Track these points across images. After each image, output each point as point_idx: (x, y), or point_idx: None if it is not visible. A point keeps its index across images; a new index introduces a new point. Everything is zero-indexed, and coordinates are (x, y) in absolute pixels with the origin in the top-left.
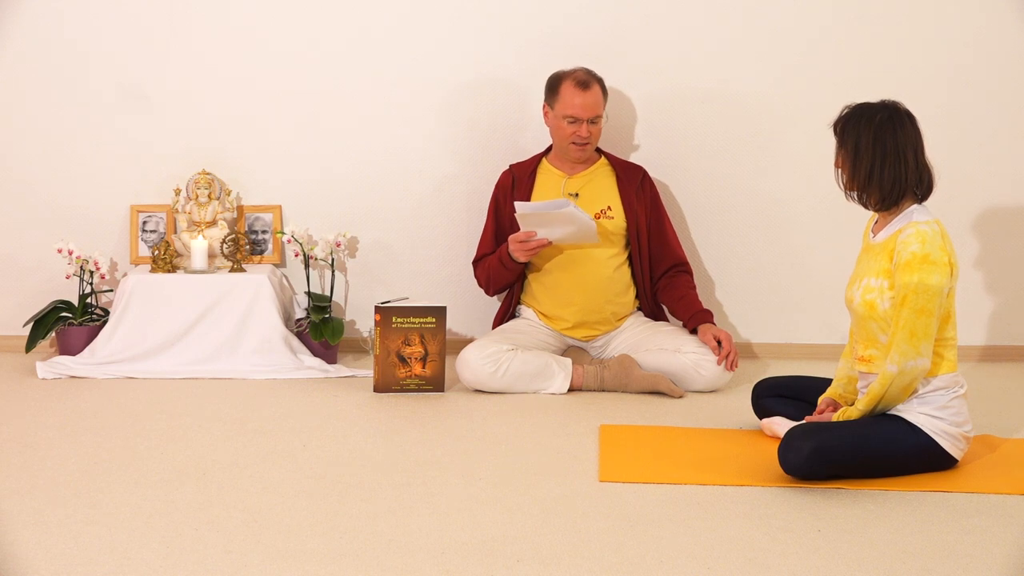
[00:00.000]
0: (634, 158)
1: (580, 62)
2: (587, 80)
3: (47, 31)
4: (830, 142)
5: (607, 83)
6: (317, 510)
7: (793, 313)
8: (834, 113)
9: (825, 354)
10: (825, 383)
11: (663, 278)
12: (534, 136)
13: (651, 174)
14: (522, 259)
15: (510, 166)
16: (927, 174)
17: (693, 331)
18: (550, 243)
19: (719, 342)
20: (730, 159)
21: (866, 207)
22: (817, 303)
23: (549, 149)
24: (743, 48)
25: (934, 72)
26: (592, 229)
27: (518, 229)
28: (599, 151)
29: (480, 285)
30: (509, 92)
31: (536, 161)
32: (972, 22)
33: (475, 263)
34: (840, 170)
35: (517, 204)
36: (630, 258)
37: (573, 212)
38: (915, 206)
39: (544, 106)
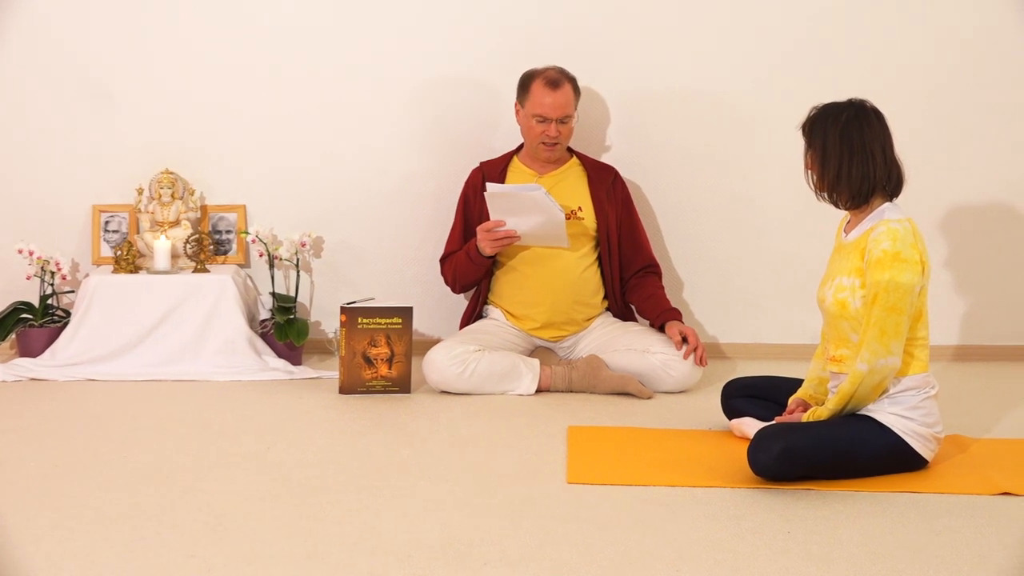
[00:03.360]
0: (605, 158)
1: (553, 59)
2: (558, 79)
3: (4, 30)
4: (801, 142)
5: (580, 81)
6: (282, 513)
7: (763, 313)
8: (804, 114)
9: (795, 354)
10: (795, 383)
11: (632, 278)
12: (505, 134)
13: (622, 174)
14: (489, 251)
15: (480, 164)
16: (896, 170)
17: (660, 329)
18: (519, 238)
19: (685, 339)
20: (702, 159)
21: (837, 206)
22: (787, 303)
23: (521, 147)
24: (716, 48)
25: (905, 72)
26: (561, 223)
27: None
28: (571, 151)
29: (447, 283)
30: (479, 89)
31: (507, 159)
32: (944, 20)
33: (442, 260)
34: (810, 171)
35: (488, 184)
36: (600, 259)
37: (543, 198)
38: (887, 204)
39: (516, 104)
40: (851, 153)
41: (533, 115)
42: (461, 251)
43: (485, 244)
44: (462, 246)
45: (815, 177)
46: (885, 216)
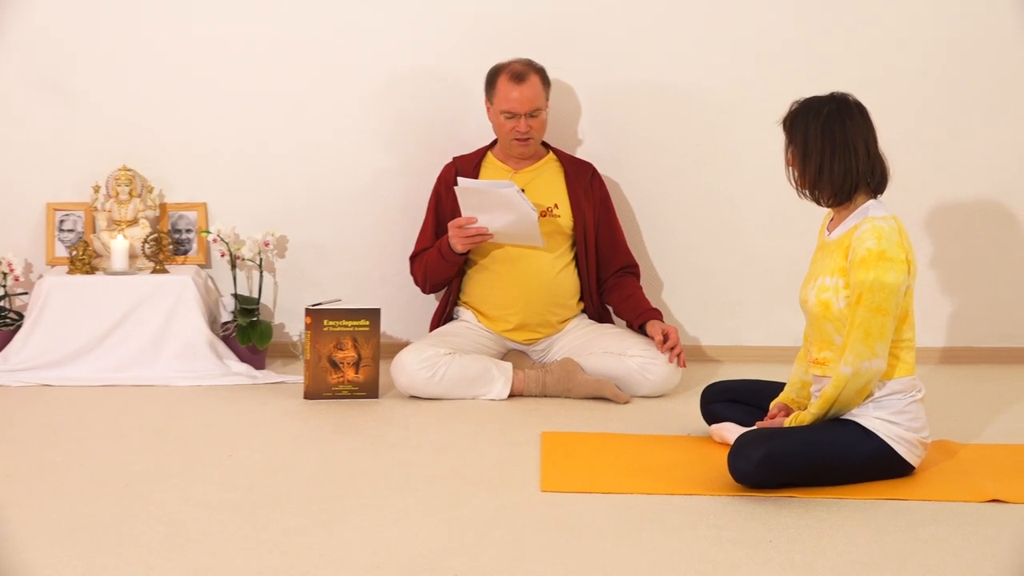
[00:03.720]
0: (581, 154)
1: (526, 51)
2: (523, 72)
3: None
4: (782, 138)
5: (554, 74)
6: (244, 524)
7: (744, 314)
8: (786, 108)
9: (777, 357)
10: (777, 387)
11: (610, 279)
12: (477, 129)
13: (599, 171)
14: (460, 248)
15: (454, 159)
16: (880, 165)
17: (640, 329)
18: (491, 235)
19: (666, 337)
20: (682, 156)
21: (819, 203)
22: (769, 304)
23: (495, 143)
24: (696, 41)
25: (892, 68)
26: (533, 223)
27: None
28: (548, 146)
29: (416, 282)
30: (450, 82)
31: (481, 154)
32: (930, 15)
33: (412, 258)
34: (791, 167)
35: (459, 179)
36: (576, 258)
37: (514, 196)
38: (871, 201)
39: (485, 101)
40: (833, 148)
41: (501, 111)
42: (432, 248)
43: (456, 240)
44: (433, 244)
45: (796, 173)
46: (869, 213)
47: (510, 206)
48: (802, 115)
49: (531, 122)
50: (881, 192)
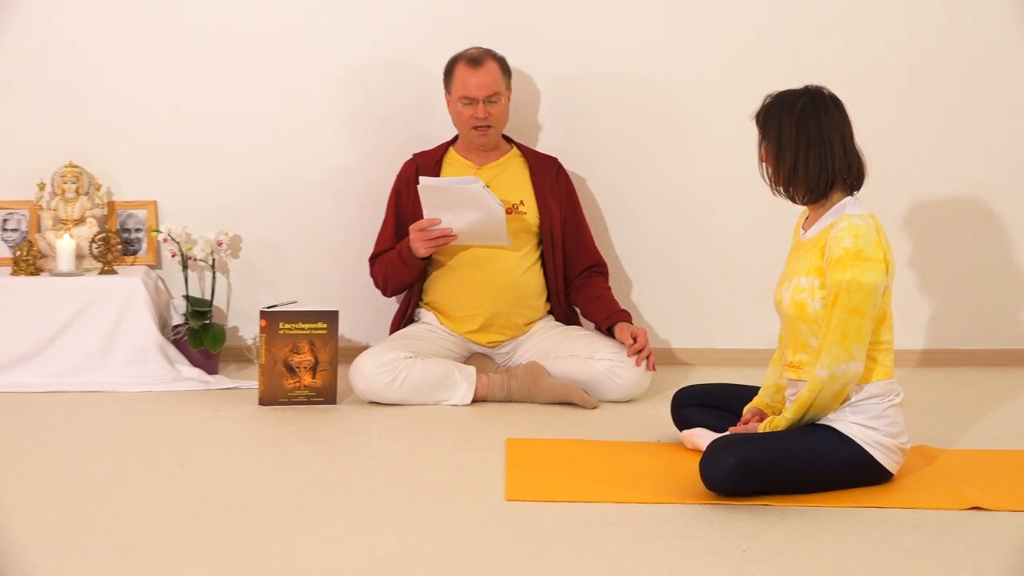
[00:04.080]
0: (546, 149)
1: (489, 42)
2: (479, 56)
3: None
4: (756, 131)
5: (518, 66)
6: (196, 535)
7: (717, 316)
8: (760, 101)
9: (751, 360)
10: (751, 391)
11: (578, 278)
12: (439, 123)
13: (565, 166)
14: (423, 253)
15: (414, 155)
16: (857, 161)
17: (608, 331)
18: (455, 237)
19: (635, 340)
20: (649, 150)
21: (794, 201)
22: (743, 305)
23: (456, 138)
24: (666, 32)
25: (866, 58)
26: (500, 219)
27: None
28: (511, 141)
29: (377, 285)
30: (409, 75)
31: (443, 150)
32: (909, 7)
33: (372, 260)
34: (764, 163)
35: (422, 178)
36: (542, 257)
37: (480, 192)
38: (848, 199)
39: (445, 94)
40: (808, 144)
41: (459, 98)
42: (393, 251)
43: (419, 244)
44: (393, 245)
45: (770, 170)
46: (846, 211)
47: (476, 203)
48: (775, 109)
49: (490, 108)
50: (858, 189)
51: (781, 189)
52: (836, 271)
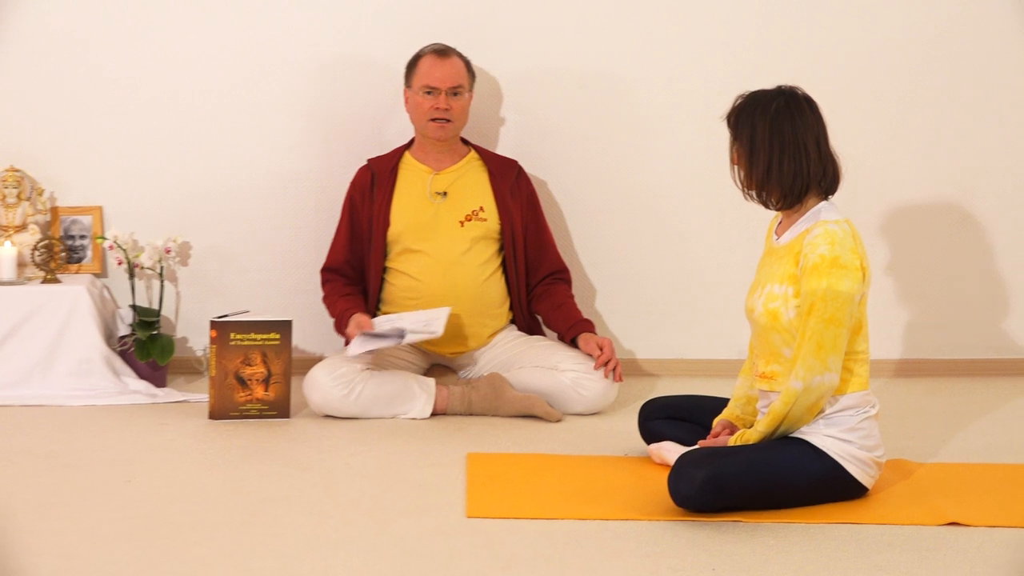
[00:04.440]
0: (505, 152)
1: (445, 41)
2: (446, 50)
3: None
4: (726, 132)
5: (478, 66)
6: (143, 555)
7: (685, 325)
8: (731, 97)
9: (720, 370)
10: (721, 403)
11: (539, 286)
12: (398, 128)
13: (525, 169)
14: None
15: (368, 161)
16: (832, 165)
17: (572, 342)
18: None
19: (600, 350)
20: (614, 152)
21: (767, 207)
22: (712, 313)
23: (412, 142)
24: (631, 30)
25: (838, 57)
26: (436, 334)
27: (376, 234)
28: (469, 144)
29: (324, 303)
30: (364, 77)
31: (398, 155)
32: (882, 3)
33: (325, 272)
34: (736, 167)
35: (348, 350)
36: (504, 264)
37: (414, 338)
38: (823, 204)
39: (405, 91)
40: (782, 147)
41: (421, 87)
42: (337, 305)
43: (350, 329)
44: (348, 255)
45: (742, 174)
46: (821, 216)
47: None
48: (748, 110)
49: (452, 101)
50: (832, 193)
51: (754, 193)
52: (811, 279)
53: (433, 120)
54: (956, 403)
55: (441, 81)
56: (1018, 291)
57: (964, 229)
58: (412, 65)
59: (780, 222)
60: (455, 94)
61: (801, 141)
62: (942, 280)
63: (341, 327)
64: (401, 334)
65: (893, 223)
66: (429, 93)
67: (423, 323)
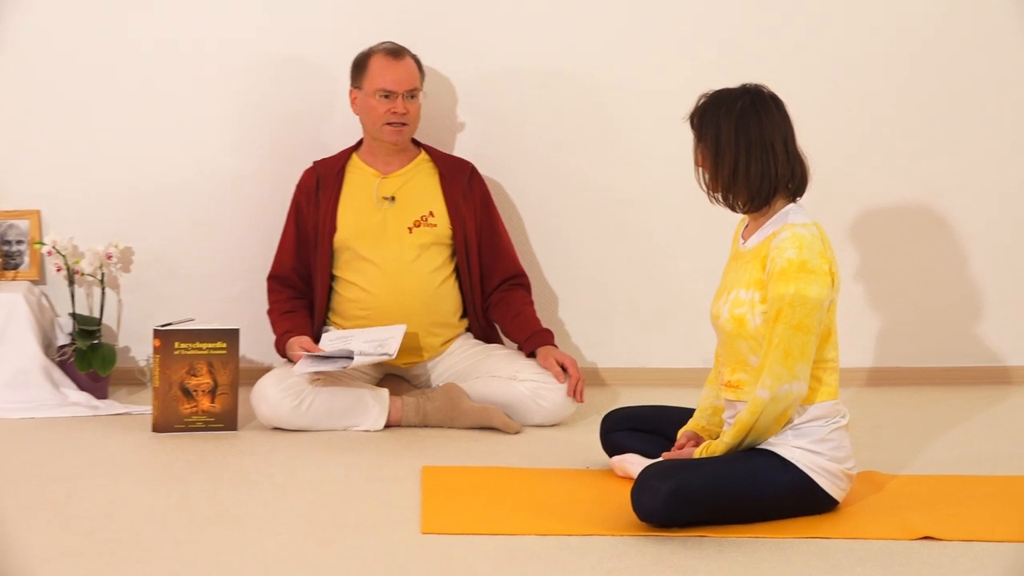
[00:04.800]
0: (459, 153)
1: (392, 38)
2: (398, 50)
3: None
4: (690, 133)
5: (427, 64)
6: (84, 574)
7: (649, 332)
8: (694, 100)
9: (686, 380)
10: (686, 414)
11: (496, 292)
12: (339, 126)
13: (479, 170)
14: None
15: (314, 163)
16: (800, 166)
17: (531, 355)
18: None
19: (563, 368)
20: (573, 153)
21: (734, 210)
22: (677, 320)
23: (360, 143)
24: (589, 25)
25: (804, 53)
26: (389, 356)
27: (323, 239)
28: (419, 145)
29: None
30: (308, 74)
31: (345, 157)
32: (857, 2)
33: (271, 280)
34: (701, 168)
35: (297, 368)
36: (457, 270)
37: (362, 360)
38: (791, 206)
39: (351, 91)
40: (748, 147)
41: (375, 91)
42: (279, 324)
43: (295, 356)
44: (295, 261)
45: (707, 176)
46: (789, 219)
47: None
48: (712, 110)
49: (408, 105)
50: (800, 195)
51: (719, 196)
52: (778, 284)
53: (390, 124)
54: (930, 412)
55: (397, 84)
56: (992, 297)
57: (937, 232)
58: (361, 65)
59: (747, 225)
60: (411, 96)
61: (768, 141)
62: (915, 285)
63: (280, 349)
64: (350, 355)
65: (864, 225)
66: (385, 97)
67: (376, 343)
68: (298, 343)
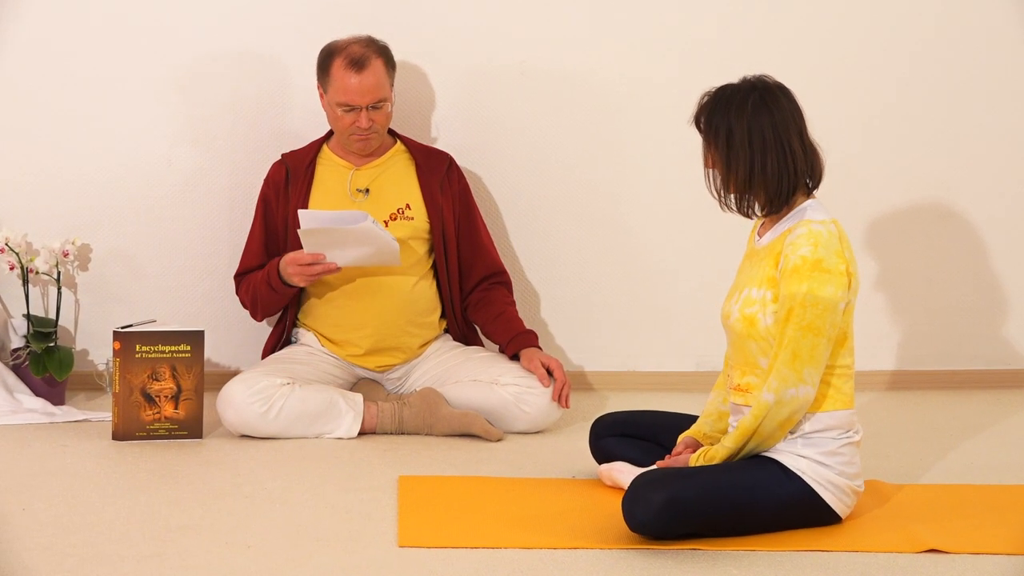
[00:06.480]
0: (439, 145)
1: (364, 25)
2: (362, 57)
3: None
4: (680, 122)
5: (402, 52)
6: None
7: (638, 334)
8: (688, 88)
9: (678, 384)
10: (679, 419)
11: (475, 291)
12: (307, 116)
13: (458, 162)
14: (300, 284)
15: (283, 156)
16: (816, 157)
17: (514, 357)
18: (339, 269)
19: (549, 371)
20: (557, 145)
21: (748, 215)
22: (668, 322)
23: (331, 134)
24: (569, 12)
25: (809, 46)
26: (395, 251)
27: (292, 235)
28: (395, 135)
29: (245, 306)
30: (274, 63)
31: (315, 149)
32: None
33: (238, 277)
34: (712, 169)
35: (301, 214)
36: (435, 268)
37: (371, 229)
38: (809, 202)
39: (318, 86)
40: (764, 146)
41: (337, 103)
42: (260, 273)
43: (296, 278)
44: (263, 259)
45: (719, 180)
46: (806, 215)
47: (366, 240)
48: (721, 110)
49: (374, 115)
50: (816, 187)
51: (733, 200)
52: (791, 282)
53: (354, 136)
54: (937, 419)
55: (360, 97)
56: (1014, 297)
57: (955, 228)
58: (325, 67)
59: (762, 222)
60: (376, 108)
61: (784, 137)
62: (937, 285)
63: (274, 278)
64: (360, 219)
65: (882, 224)
66: (348, 111)
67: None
68: (287, 257)
